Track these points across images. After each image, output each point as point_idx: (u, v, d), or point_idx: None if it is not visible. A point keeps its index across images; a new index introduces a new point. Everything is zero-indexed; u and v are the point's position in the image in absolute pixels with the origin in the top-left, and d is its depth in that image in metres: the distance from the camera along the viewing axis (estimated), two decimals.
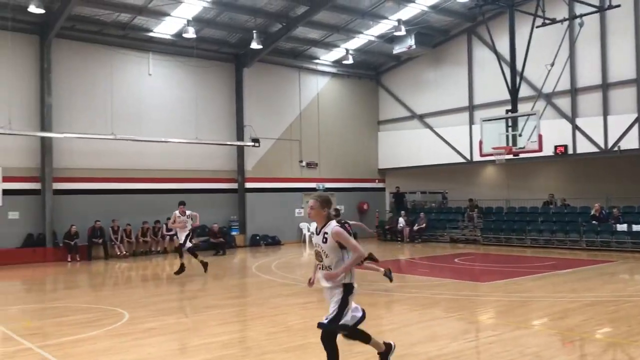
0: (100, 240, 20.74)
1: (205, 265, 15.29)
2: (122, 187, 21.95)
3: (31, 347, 7.53)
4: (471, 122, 25.15)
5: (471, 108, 25.35)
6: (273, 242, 25.22)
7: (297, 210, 26.75)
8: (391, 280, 12.21)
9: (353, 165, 28.69)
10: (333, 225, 5.35)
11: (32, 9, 17.48)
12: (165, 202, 21.71)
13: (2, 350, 7.48)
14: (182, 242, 15.14)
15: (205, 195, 23.71)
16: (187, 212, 15.26)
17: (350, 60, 26.08)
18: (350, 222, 13.31)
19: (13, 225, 19.87)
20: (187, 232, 15.14)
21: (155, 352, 7.25)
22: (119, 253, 21.07)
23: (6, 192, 19.79)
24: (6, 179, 19.78)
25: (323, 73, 27.89)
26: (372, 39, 25.33)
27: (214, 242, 22.04)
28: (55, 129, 20.30)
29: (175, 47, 23.16)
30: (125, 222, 21.50)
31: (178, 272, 15.06)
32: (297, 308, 10.21)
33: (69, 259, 20.00)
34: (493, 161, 20.71)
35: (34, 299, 13.09)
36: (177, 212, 15.17)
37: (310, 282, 9.01)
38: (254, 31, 21.93)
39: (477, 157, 23.04)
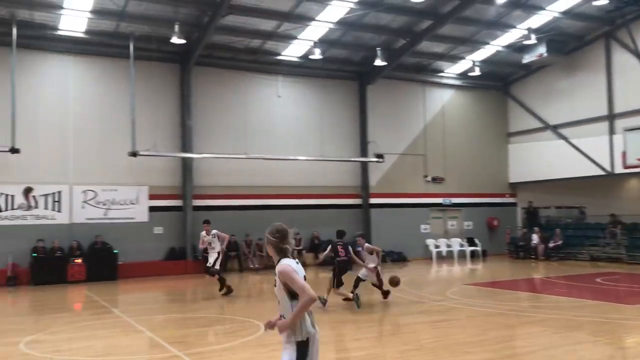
0: (235, 254, 21.83)
1: (228, 290, 14.58)
2: (255, 204, 22.98)
3: (178, 354, 8.08)
4: (611, 132, 23.39)
5: (611, 117, 23.59)
6: (399, 258, 25.03)
7: (422, 226, 26.40)
8: (358, 306, 11.93)
9: (481, 180, 27.80)
10: (282, 262, 4.26)
11: (175, 40, 18.99)
12: (294, 217, 22.40)
13: (154, 357, 8.10)
14: (210, 263, 14.59)
15: (330, 211, 24.20)
16: (213, 232, 14.66)
17: (476, 72, 25.44)
18: (368, 245, 13.11)
19: (158, 240, 21.51)
20: (215, 254, 14.59)
21: None
22: (252, 266, 22.05)
23: (152, 208, 21.50)
24: (152, 197, 21.49)
25: (448, 86, 27.44)
26: (500, 49, 24.53)
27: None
28: (195, 150, 21.79)
29: (302, 69, 23.98)
30: (257, 236, 22.46)
31: (226, 293, 14.52)
32: (428, 326, 10.05)
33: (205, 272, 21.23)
34: (638, 173, 19.09)
35: (177, 309, 14.05)
36: (203, 232, 14.77)
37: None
38: (378, 48, 22.14)
39: (619, 169, 21.40)
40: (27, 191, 19.64)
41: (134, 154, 19.83)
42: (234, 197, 22.66)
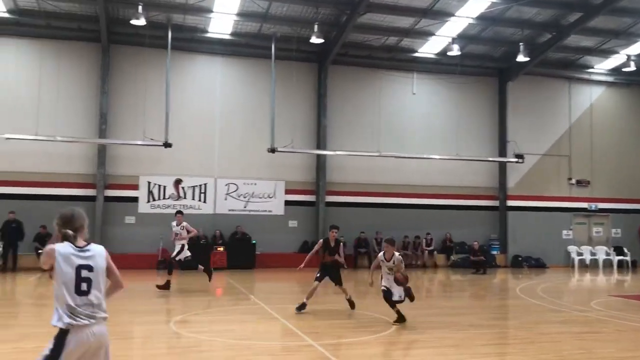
0: (364, 251, 22.00)
1: (167, 286, 14.14)
2: (386, 202, 23.01)
3: (312, 344, 8.31)
4: None
5: None
6: (537, 264, 23.76)
7: (564, 232, 24.84)
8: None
9: (633, 183, 25.55)
10: (49, 246, 4.05)
11: (314, 39, 19.53)
12: (425, 217, 22.17)
13: (289, 344, 8.41)
14: (173, 254, 14.32)
15: (464, 212, 23.57)
16: (183, 224, 14.30)
17: (631, 67, 23.38)
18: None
19: (292, 233, 22.30)
20: (180, 245, 14.26)
21: None
22: None
23: (288, 202, 22.33)
24: (288, 192, 22.32)
25: (597, 82, 25.53)
26: None
27: (474, 260, 21.67)
28: (328, 147, 22.28)
29: (438, 65, 23.56)
30: (387, 234, 22.42)
31: (164, 287, 14.04)
32: (570, 337, 9.43)
33: None
34: None
35: (310, 300, 14.43)
36: (173, 223, 14.46)
37: None
38: (520, 43, 21.14)
39: None
40: (177, 183, 21.29)
41: (272, 150, 20.70)
42: (365, 194, 22.85)
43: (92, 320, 3.95)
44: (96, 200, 20.26)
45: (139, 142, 19.67)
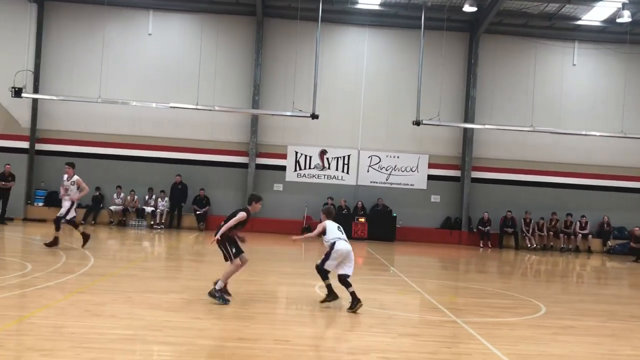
0: (512, 231, 21.08)
1: (86, 238, 13.13)
2: (537, 180, 21.80)
3: (456, 320, 8.15)
4: None
5: None
6: None
7: None
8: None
9: None
10: None
11: (467, 8, 18.77)
12: (580, 198, 20.69)
13: (432, 319, 8.32)
14: (62, 213, 12.83)
15: (626, 195, 21.66)
16: (75, 178, 13.05)
17: None
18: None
19: (434, 208, 21.95)
20: (69, 203, 12.89)
21: (580, 352, 6.95)
22: (529, 245, 21.05)
23: (431, 177, 21.97)
24: (431, 166, 21.95)
25: None
26: None
27: (634, 246, 19.87)
28: (477, 121, 21.46)
29: (604, 34, 21.62)
30: (538, 215, 21.29)
31: (50, 244, 12.72)
32: None
33: (481, 245, 20.99)
34: None
35: (450, 276, 14.20)
36: (64, 176, 13.17)
37: None
38: None
39: None
40: (322, 153, 21.82)
41: (417, 122, 20.39)
42: (514, 171, 21.81)
43: None
44: (248, 167, 21.43)
45: (288, 113, 20.39)
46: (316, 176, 21.79)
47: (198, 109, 20.21)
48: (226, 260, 8.45)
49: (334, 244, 8.52)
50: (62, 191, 13.19)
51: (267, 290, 10.12)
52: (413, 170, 22.00)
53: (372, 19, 21.74)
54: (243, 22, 21.70)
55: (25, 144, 20.79)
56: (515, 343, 7.18)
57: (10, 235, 16.24)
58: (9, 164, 18.93)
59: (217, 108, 20.50)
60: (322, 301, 8.70)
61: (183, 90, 21.01)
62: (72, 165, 13.22)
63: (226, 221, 8.41)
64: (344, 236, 8.73)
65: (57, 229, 12.78)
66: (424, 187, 22.03)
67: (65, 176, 13.12)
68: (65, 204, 12.92)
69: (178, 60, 21.44)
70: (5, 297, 7.93)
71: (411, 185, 22.02)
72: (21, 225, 18.86)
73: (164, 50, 21.44)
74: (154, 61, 21.34)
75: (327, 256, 8.54)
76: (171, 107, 20.07)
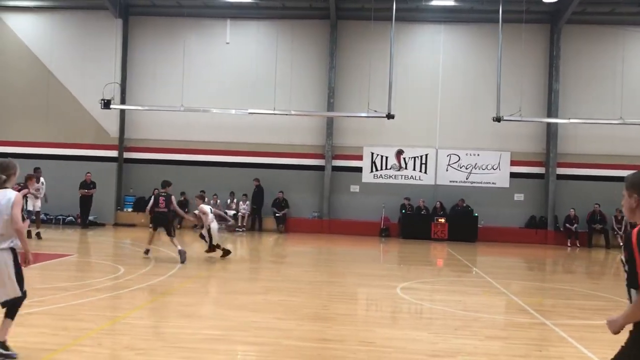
0: (601, 227, 20.04)
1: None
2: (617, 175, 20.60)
3: (545, 322, 7.84)
4: None
5: None
6: None
7: None
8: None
9: None
10: None
11: None
12: None
13: (521, 321, 8.04)
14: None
15: None
16: (41, 181, 14.04)
17: None
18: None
19: (518, 207, 21.21)
20: (39, 201, 13.89)
21: None
22: (621, 244, 19.91)
23: (513, 174, 21.26)
24: (514, 163, 21.24)
25: None
26: None
27: None
28: (560, 115, 20.58)
29: None
30: None
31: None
32: None
33: (569, 244, 20.08)
34: None
35: (536, 277, 13.68)
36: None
37: None
38: None
39: None
40: (399, 153, 21.62)
41: (498, 119, 19.75)
42: (602, 166, 20.72)
43: None
44: (325, 170, 21.56)
45: (363, 114, 20.34)
46: (393, 177, 21.61)
47: (275, 114, 20.55)
48: None
49: None
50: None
51: (347, 291, 10.14)
52: (494, 168, 21.36)
53: (447, 15, 21.33)
54: (317, 26, 21.88)
55: (114, 153, 21.91)
56: (611, 347, 6.81)
57: (103, 240, 17.15)
58: (89, 173, 20.02)
59: (293, 112, 20.76)
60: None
61: (260, 96, 21.43)
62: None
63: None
64: None
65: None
66: (507, 185, 21.33)
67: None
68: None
69: (255, 67, 21.91)
70: (101, 298, 8.37)
71: (493, 183, 21.39)
72: (112, 230, 19.88)
73: (241, 58, 21.97)
74: (232, 69, 21.91)
75: None
76: (249, 113, 20.53)
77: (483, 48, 21.22)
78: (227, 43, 22.00)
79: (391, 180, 21.64)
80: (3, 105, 21.84)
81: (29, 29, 21.98)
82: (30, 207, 16.84)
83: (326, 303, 8.60)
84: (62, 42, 21.91)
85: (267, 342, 6.24)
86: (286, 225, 21.17)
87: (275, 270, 12.73)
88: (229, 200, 21.41)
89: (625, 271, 3.19)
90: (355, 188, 21.84)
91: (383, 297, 9.49)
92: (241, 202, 21.27)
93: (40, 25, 22.04)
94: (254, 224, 21.28)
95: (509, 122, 19.95)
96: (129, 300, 8.28)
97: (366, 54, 21.27)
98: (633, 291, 3.17)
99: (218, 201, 21.31)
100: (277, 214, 21.25)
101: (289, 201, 21.39)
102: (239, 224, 20.90)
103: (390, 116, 19.85)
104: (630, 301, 3.22)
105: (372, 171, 21.78)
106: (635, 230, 3.17)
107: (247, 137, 21.68)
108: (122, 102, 21.46)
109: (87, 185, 19.90)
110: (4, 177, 5.33)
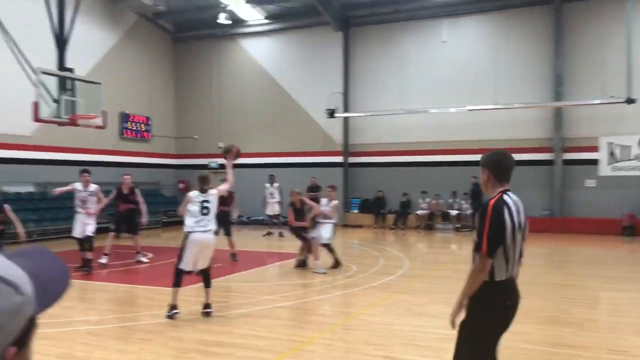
0: None
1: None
2: None
3: None
4: None
5: None
6: None
7: None
8: None
9: None
10: None
11: None
12: None
13: None
14: (88, 232, 10.70)
15: None
16: (92, 187, 10.89)
17: None
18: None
19: None
20: (92, 218, 10.84)
21: None
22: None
23: None
24: None
25: None
26: None
27: None
28: None
29: None
30: None
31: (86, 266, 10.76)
32: None
33: None
34: None
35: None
36: (77, 184, 10.91)
37: None
38: None
39: None
40: None
41: None
42: None
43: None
44: (554, 164, 20.12)
45: (597, 101, 18.50)
46: (637, 168, 19.27)
47: (496, 109, 19.78)
48: None
49: None
50: (79, 202, 10.96)
51: (587, 294, 9.34)
52: None
53: None
54: (537, 13, 20.53)
55: (340, 159, 23.18)
56: None
57: (333, 240, 18.21)
58: (314, 177, 21.21)
59: (516, 105, 19.78)
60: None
61: (479, 91, 20.82)
62: (87, 171, 11.08)
63: None
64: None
65: (90, 248, 10.94)
66: None
67: (79, 184, 10.99)
68: (89, 220, 10.89)
69: (472, 63, 21.37)
70: (337, 295, 8.94)
71: None
72: (340, 231, 21.03)
73: (458, 55, 21.62)
74: (448, 67, 21.67)
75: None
76: (469, 110, 20.09)
77: None
78: (444, 42, 21.84)
79: (635, 172, 19.36)
80: (243, 121, 24.59)
81: (263, 51, 24.45)
82: (269, 212, 18.77)
83: (565, 307, 8.04)
84: (291, 59, 23.93)
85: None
86: None
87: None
88: (450, 200, 21.20)
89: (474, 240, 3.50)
90: (591, 182, 19.99)
91: (634, 302, 8.54)
92: (463, 202, 20.90)
93: (272, 46, 24.36)
94: (474, 223, 20.68)
95: None
96: (363, 298, 8.69)
97: (598, 35, 19.41)
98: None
99: (440, 201, 21.24)
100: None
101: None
102: (463, 224, 20.57)
103: (630, 101, 17.81)
104: None
105: (610, 163, 19.72)
106: (491, 202, 3.55)
107: (466, 135, 21.24)
108: (346, 110, 22.64)
109: (313, 188, 21.37)
110: (206, 187, 7.38)
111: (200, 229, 7.12)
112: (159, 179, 24.56)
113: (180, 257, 7.14)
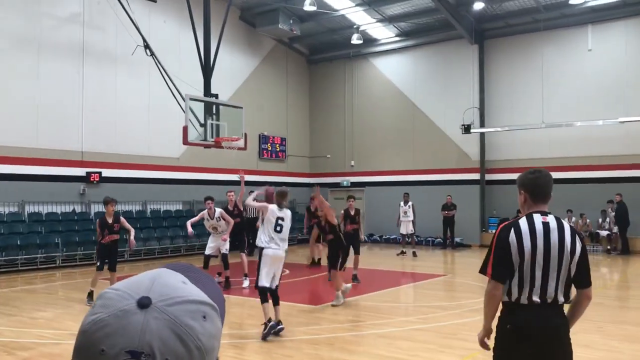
0: None
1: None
2: None
3: None
4: None
5: None
6: None
7: None
8: None
9: None
10: None
11: None
12: None
13: None
14: (224, 250, 11.21)
15: None
16: (217, 212, 11.13)
17: None
18: None
19: None
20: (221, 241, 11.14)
21: None
22: None
23: None
24: None
25: None
26: None
27: None
28: None
29: None
30: None
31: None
32: None
33: None
34: None
35: None
36: (204, 212, 11.27)
37: None
38: None
39: None
40: None
41: None
42: None
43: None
44: None
45: None
46: None
47: None
48: None
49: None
50: (210, 230, 11.46)
51: None
52: None
53: None
54: None
55: (476, 176, 22.35)
56: None
57: (470, 261, 17.54)
58: (449, 195, 20.92)
59: None
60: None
61: (632, 102, 19.12)
62: (211, 199, 11.32)
63: None
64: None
65: (226, 266, 11.25)
66: None
67: (205, 212, 11.31)
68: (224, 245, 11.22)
69: (622, 71, 19.68)
70: (477, 320, 8.51)
71: None
72: (477, 251, 20.20)
73: (605, 63, 20.03)
74: (595, 77, 20.13)
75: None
76: (620, 122, 18.49)
77: None
78: (589, 50, 20.39)
79: None
80: (375, 138, 24.63)
81: (394, 68, 24.41)
82: (403, 231, 18.50)
83: None
84: (423, 75, 23.64)
85: None
86: None
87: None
88: (600, 220, 19.57)
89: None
90: None
91: None
92: (608, 219, 19.18)
93: (403, 63, 24.26)
94: (623, 245, 18.83)
95: None
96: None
97: None
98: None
99: (588, 221, 19.71)
100: None
101: None
102: (609, 246, 18.84)
103: None
104: None
105: None
106: (501, 225, 3.42)
107: (616, 149, 19.54)
108: (482, 125, 21.86)
109: (448, 207, 20.83)
110: (284, 203, 7.56)
111: (273, 247, 7.33)
112: (293, 197, 25.32)
113: (258, 274, 7.32)
